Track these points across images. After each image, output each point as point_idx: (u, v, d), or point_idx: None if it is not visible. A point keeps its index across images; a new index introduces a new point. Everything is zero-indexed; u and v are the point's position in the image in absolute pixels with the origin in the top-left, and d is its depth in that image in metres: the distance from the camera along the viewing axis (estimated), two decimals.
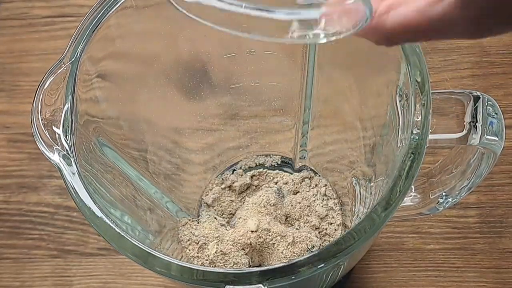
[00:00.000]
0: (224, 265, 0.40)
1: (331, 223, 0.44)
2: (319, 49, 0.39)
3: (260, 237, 0.41)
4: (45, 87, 0.32)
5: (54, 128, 0.31)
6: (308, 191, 0.46)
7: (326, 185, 0.46)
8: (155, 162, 0.42)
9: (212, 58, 0.42)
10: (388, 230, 0.48)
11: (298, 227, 0.43)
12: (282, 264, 0.27)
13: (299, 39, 0.22)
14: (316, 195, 0.46)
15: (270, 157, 0.49)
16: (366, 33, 0.23)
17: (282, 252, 0.41)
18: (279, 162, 0.49)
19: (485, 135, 0.30)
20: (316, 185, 0.46)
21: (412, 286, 0.46)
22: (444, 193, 0.36)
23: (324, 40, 0.23)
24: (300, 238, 0.41)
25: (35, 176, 0.53)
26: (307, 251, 0.41)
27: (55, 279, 0.49)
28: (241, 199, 0.47)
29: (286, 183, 0.47)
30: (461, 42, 0.54)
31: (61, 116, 0.31)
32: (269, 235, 0.41)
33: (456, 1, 0.19)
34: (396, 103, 0.32)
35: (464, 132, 0.30)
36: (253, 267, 0.40)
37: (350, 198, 0.43)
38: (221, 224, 0.43)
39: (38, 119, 0.31)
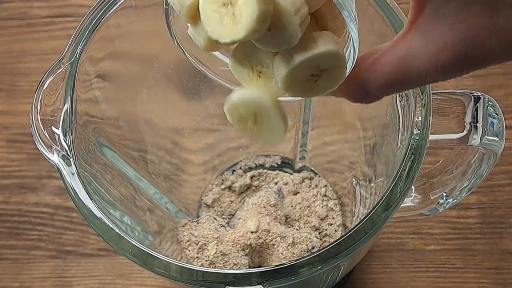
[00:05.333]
0: (224, 266, 0.40)
1: (331, 224, 0.44)
2: None
3: (260, 238, 0.41)
4: (45, 87, 0.32)
5: (54, 129, 0.31)
6: (308, 192, 0.46)
7: (326, 185, 0.46)
8: (155, 162, 0.42)
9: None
10: (388, 231, 0.48)
11: (298, 228, 0.43)
12: (282, 265, 0.27)
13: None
14: (316, 196, 0.46)
15: (270, 157, 0.49)
16: (343, 91, 0.23)
17: (282, 253, 0.41)
18: (279, 163, 0.49)
19: (486, 136, 0.30)
20: (316, 185, 0.46)
21: (412, 287, 0.46)
22: (444, 194, 0.36)
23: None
24: (300, 238, 0.41)
25: (34, 176, 0.53)
26: (307, 252, 0.41)
27: (55, 279, 0.49)
28: (241, 200, 0.47)
29: (286, 184, 0.47)
30: None
31: (60, 116, 0.31)
32: (269, 236, 0.41)
33: (418, 29, 0.20)
34: (397, 103, 0.32)
35: (465, 132, 0.30)
36: (253, 268, 0.40)
37: (350, 199, 0.43)
38: (220, 224, 0.43)
39: (37, 119, 0.31)
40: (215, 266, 0.40)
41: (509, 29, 0.19)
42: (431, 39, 0.20)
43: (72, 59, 0.32)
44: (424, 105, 0.30)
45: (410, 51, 0.20)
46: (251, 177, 0.47)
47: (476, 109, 0.30)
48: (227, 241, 0.41)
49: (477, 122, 0.30)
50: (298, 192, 0.46)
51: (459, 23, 0.19)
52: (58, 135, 0.31)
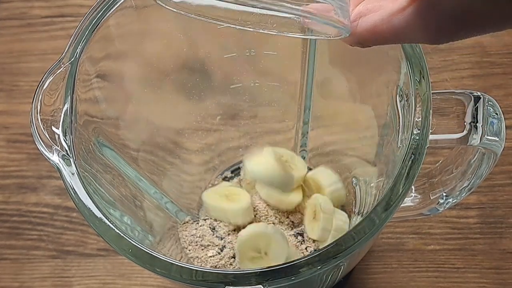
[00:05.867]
0: (224, 265, 0.40)
1: None
2: (319, 49, 0.39)
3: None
4: (45, 87, 0.32)
5: (54, 129, 0.31)
6: None
7: None
8: (155, 162, 0.42)
9: (212, 58, 0.42)
10: (388, 231, 0.48)
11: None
12: (282, 265, 0.27)
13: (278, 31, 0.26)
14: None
15: None
16: (344, 41, 0.26)
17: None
18: None
19: (486, 136, 0.30)
20: None
21: (412, 287, 0.46)
22: (444, 194, 0.36)
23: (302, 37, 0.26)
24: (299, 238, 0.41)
25: (34, 176, 0.53)
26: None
27: (55, 279, 0.49)
28: None
29: None
30: (462, 43, 0.54)
31: (60, 116, 0.31)
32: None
33: (416, 12, 0.22)
34: (397, 103, 0.32)
35: (465, 132, 0.30)
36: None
37: (350, 199, 0.43)
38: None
39: (38, 119, 0.31)
40: (215, 266, 0.40)
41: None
42: (430, 23, 0.22)
43: (72, 59, 0.32)
44: (424, 105, 0.30)
45: (407, 25, 0.22)
46: None
47: (476, 109, 0.30)
48: (227, 241, 0.41)
49: (477, 122, 0.30)
50: None
51: (458, 8, 0.20)
52: (58, 135, 0.31)
